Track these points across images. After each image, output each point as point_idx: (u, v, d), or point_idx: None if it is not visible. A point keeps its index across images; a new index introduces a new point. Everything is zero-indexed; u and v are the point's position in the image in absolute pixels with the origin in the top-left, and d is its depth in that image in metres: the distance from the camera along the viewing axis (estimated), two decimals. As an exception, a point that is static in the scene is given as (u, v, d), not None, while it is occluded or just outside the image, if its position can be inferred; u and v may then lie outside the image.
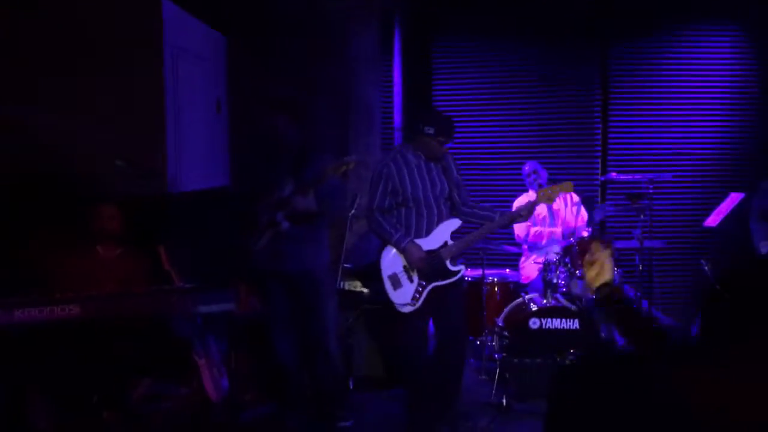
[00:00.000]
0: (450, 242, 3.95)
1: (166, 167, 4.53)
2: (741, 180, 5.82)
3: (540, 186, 5.37)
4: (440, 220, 3.99)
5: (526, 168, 5.44)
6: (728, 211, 4.88)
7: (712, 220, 4.99)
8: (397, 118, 5.98)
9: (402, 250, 3.95)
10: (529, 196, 5.48)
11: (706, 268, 5.45)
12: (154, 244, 4.12)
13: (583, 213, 5.45)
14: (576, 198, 5.51)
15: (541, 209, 5.42)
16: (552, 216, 5.39)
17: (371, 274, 5.07)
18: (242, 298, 4.30)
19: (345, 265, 5.22)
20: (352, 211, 5.23)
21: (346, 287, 5.08)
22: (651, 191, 5.08)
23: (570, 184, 4.03)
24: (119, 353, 3.62)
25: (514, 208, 5.45)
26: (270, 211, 3.92)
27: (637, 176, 5.30)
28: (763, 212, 4.99)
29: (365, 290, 5.10)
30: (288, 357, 4.11)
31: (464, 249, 4.00)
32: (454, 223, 4.00)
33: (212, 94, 5.41)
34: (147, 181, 4.25)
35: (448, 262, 3.95)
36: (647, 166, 5.77)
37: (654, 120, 6.00)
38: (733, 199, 4.94)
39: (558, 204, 5.43)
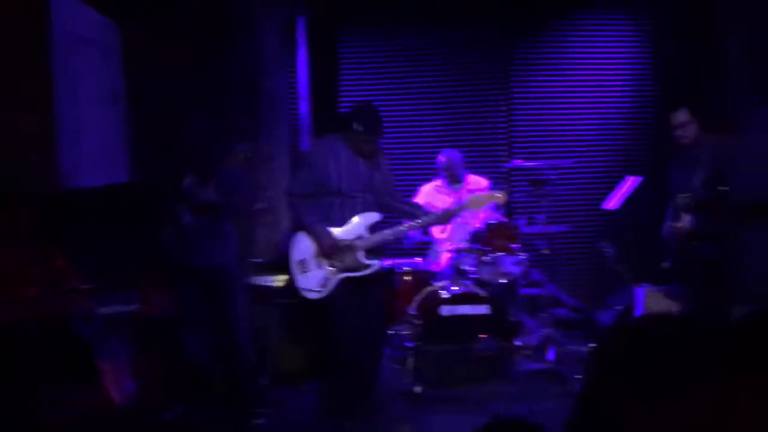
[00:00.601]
0: (366, 235, 3.95)
1: (59, 162, 4.30)
2: (637, 164, 6.08)
3: (453, 176, 5.44)
4: (362, 213, 3.98)
5: (444, 157, 5.45)
6: (626, 194, 5.09)
7: (611, 203, 5.19)
8: (304, 108, 5.89)
9: (313, 234, 3.92)
10: (436, 184, 5.54)
11: (606, 249, 5.68)
12: (50, 242, 3.91)
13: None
14: (485, 182, 5.60)
15: (447, 203, 5.49)
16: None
17: (284, 266, 5.02)
18: (148, 298, 4.17)
19: (255, 260, 5.13)
20: (261, 205, 5.14)
21: (261, 282, 4.98)
22: (553, 177, 5.24)
23: (504, 195, 4.13)
24: (17, 358, 3.43)
25: (421, 199, 5.51)
26: (172, 205, 3.81)
27: (540, 163, 5.45)
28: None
29: (282, 284, 5.02)
30: (199, 355, 4.02)
31: (380, 243, 4.00)
32: (372, 217, 4.00)
33: (108, 85, 5.16)
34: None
35: (361, 255, 3.94)
36: (550, 153, 5.93)
37: (555, 108, 6.16)
38: (631, 182, 5.15)
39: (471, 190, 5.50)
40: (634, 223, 5.57)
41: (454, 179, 5.47)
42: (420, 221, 4.05)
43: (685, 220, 4.03)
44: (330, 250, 3.91)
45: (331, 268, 3.94)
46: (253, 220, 5.35)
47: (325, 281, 3.95)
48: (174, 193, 3.83)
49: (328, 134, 4.15)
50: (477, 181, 5.57)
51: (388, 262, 5.00)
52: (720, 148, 3.93)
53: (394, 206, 4.12)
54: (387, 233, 3.98)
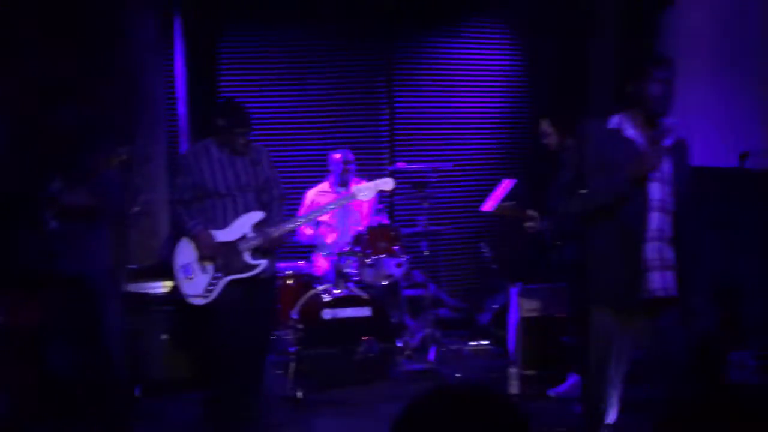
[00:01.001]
0: (250, 235, 3.87)
1: None
2: (513, 167, 6.32)
3: (343, 177, 5.43)
4: (244, 213, 3.90)
5: (339, 156, 5.43)
6: (502, 196, 5.26)
7: (488, 205, 5.35)
8: (182, 108, 5.71)
9: (193, 238, 3.82)
10: (321, 189, 5.52)
11: (484, 250, 5.87)
12: None
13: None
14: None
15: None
16: (344, 213, 5.44)
17: (164, 271, 4.84)
18: (14, 309, 3.92)
19: (130, 266, 4.92)
20: (137, 208, 4.94)
21: (138, 289, 4.78)
22: (435, 180, 5.36)
23: (392, 181, 4.14)
24: None
25: (308, 200, 5.49)
26: (36, 209, 3.60)
27: (422, 165, 5.56)
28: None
29: (162, 290, 4.84)
30: (66, 367, 3.81)
31: (266, 243, 3.92)
32: (256, 216, 3.91)
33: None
34: None
35: (247, 255, 3.86)
36: (431, 156, 6.05)
37: (436, 111, 6.29)
38: (506, 185, 5.33)
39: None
40: (510, 224, 5.78)
41: (342, 181, 5.48)
42: (302, 218, 4.03)
43: (544, 222, 4.22)
44: (211, 253, 3.81)
45: (215, 272, 3.85)
46: (129, 224, 5.13)
47: (211, 286, 3.85)
48: (38, 195, 3.61)
49: (205, 136, 4.05)
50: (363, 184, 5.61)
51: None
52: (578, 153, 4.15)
53: (269, 207, 4.03)
54: (272, 231, 3.91)
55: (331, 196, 5.46)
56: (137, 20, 5.44)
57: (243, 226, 3.88)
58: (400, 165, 5.76)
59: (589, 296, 3.12)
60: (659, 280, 2.96)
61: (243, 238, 3.86)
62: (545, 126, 4.47)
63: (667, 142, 2.95)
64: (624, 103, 3.07)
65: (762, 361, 4.36)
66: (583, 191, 2.90)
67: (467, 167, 6.34)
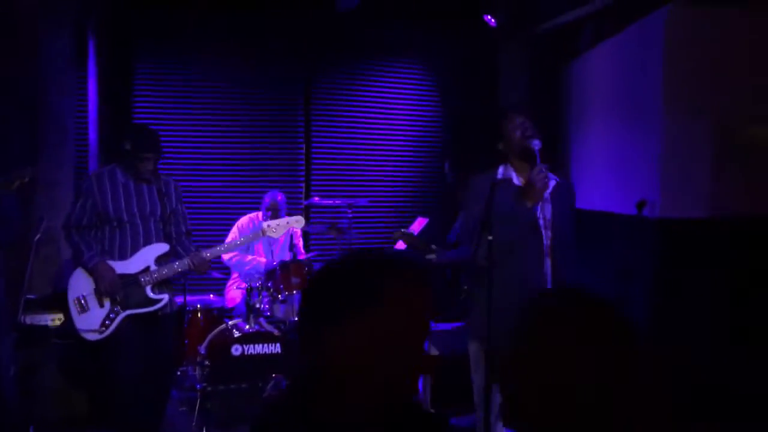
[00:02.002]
0: (153, 267, 3.75)
1: None
2: (427, 205, 6.44)
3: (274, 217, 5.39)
4: (147, 244, 3.78)
5: (277, 198, 5.33)
6: (416, 233, 5.34)
7: (401, 243, 5.42)
8: (92, 133, 5.53)
9: (90, 270, 3.67)
10: (252, 216, 5.46)
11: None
12: None
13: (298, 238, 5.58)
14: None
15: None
16: (269, 246, 5.39)
17: (61, 301, 4.63)
18: None
19: (28, 297, 4.69)
20: (38, 236, 4.73)
21: (34, 321, 4.55)
22: (350, 215, 5.39)
23: (302, 219, 4.16)
24: None
25: (236, 230, 5.41)
26: None
27: (338, 201, 5.59)
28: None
29: (59, 323, 4.62)
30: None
31: (170, 276, 3.83)
32: (160, 248, 3.79)
33: None
34: None
35: (148, 289, 3.74)
36: (346, 192, 6.09)
37: (352, 148, 6.36)
38: (419, 223, 5.43)
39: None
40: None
41: (275, 215, 5.43)
42: (216, 249, 3.94)
43: (443, 255, 4.31)
44: (109, 286, 3.67)
45: (113, 306, 3.70)
46: (27, 252, 4.89)
47: (108, 320, 3.69)
48: None
49: (112, 161, 3.93)
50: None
51: (179, 299, 4.82)
52: None
53: (176, 245, 3.91)
54: (177, 265, 3.80)
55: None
56: (47, 39, 5.26)
57: (146, 257, 3.76)
58: (316, 200, 5.77)
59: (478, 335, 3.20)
60: None
61: (146, 270, 3.74)
62: (446, 167, 4.58)
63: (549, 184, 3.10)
64: (503, 154, 3.22)
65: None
66: (480, 240, 2.97)
67: (382, 204, 6.41)
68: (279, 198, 5.33)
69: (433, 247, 4.38)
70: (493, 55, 6.35)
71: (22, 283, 4.52)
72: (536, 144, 3.07)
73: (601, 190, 5.69)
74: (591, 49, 5.88)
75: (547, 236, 3.07)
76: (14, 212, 3.86)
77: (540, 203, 3.08)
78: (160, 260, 3.78)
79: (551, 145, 6.33)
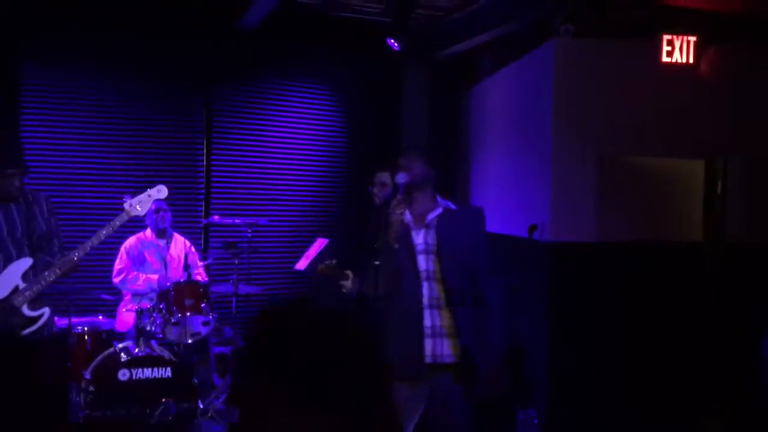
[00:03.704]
0: (22, 285, 3.55)
1: None
2: (328, 226, 6.44)
3: (161, 230, 5.24)
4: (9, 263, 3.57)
5: (153, 206, 5.15)
6: (315, 255, 5.33)
7: (301, 264, 5.40)
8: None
9: None
10: (141, 236, 5.29)
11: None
12: None
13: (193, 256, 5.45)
14: (187, 243, 5.48)
15: (150, 255, 5.28)
16: (165, 262, 5.24)
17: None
18: None
19: None
20: None
21: None
22: (250, 235, 5.31)
23: (163, 188, 3.90)
24: None
25: (124, 252, 5.22)
26: None
27: (238, 220, 5.51)
28: None
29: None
30: None
31: (43, 288, 3.62)
32: (24, 264, 3.55)
33: None
34: None
35: (24, 309, 3.55)
36: (247, 211, 6.01)
37: (254, 166, 6.29)
38: (320, 244, 5.42)
39: (174, 251, 5.33)
40: (321, 284, 5.85)
41: (159, 231, 5.29)
42: (84, 245, 3.70)
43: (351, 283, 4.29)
44: None
45: None
46: None
47: None
48: None
49: None
50: (182, 240, 5.46)
51: (64, 321, 4.61)
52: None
53: (48, 262, 3.69)
54: (47, 274, 3.60)
55: (151, 244, 5.27)
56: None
57: (12, 277, 3.55)
58: (215, 218, 5.67)
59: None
60: (430, 347, 3.15)
61: (15, 290, 3.54)
62: (385, 178, 4.43)
63: (430, 216, 3.25)
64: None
65: (546, 419, 4.71)
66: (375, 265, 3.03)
67: (283, 224, 6.36)
68: (158, 205, 5.17)
69: (348, 272, 4.34)
70: (397, 78, 6.46)
71: None
72: (400, 177, 3.22)
73: (498, 213, 5.86)
74: (489, 76, 6.08)
75: (428, 260, 3.14)
76: None
77: (421, 230, 3.16)
78: (27, 276, 3.57)
79: (452, 169, 6.51)
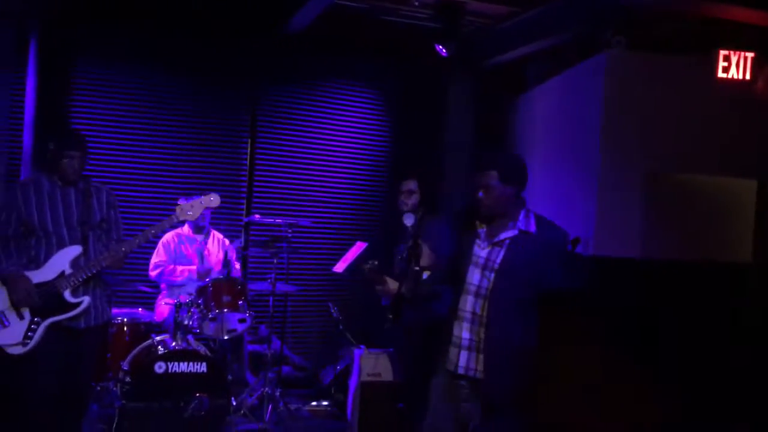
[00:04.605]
0: (68, 271, 3.63)
1: None
2: (368, 230, 6.44)
3: (198, 227, 5.31)
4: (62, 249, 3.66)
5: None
6: (353, 258, 5.32)
7: (339, 266, 5.40)
8: (27, 138, 5.36)
9: (4, 280, 3.54)
10: (179, 231, 5.36)
11: (332, 310, 5.89)
12: None
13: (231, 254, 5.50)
14: (226, 241, 5.53)
15: (186, 250, 5.34)
16: (203, 257, 5.30)
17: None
18: None
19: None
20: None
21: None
22: (289, 235, 5.33)
23: (217, 198, 3.97)
24: None
25: (161, 247, 5.30)
26: None
27: (278, 219, 5.53)
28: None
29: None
30: None
31: (87, 276, 3.69)
32: (73, 251, 3.66)
33: None
34: None
35: (67, 293, 3.62)
36: (288, 211, 6.04)
37: (297, 168, 6.32)
38: (358, 247, 5.41)
39: (211, 248, 5.40)
40: (359, 287, 5.85)
41: (197, 228, 5.37)
42: (133, 241, 3.79)
43: (389, 286, 4.26)
44: (24, 296, 3.54)
45: (33, 317, 3.57)
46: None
47: (30, 332, 3.56)
48: None
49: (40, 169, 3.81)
50: (220, 237, 5.52)
51: (109, 311, 4.67)
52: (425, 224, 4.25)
53: (97, 252, 3.75)
54: (92, 264, 3.67)
55: (188, 240, 5.34)
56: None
57: (60, 262, 3.64)
58: (256, 217, 5.71)
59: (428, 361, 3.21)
60: (463, 359, 3.05)
61: (61, 275, 3.63)
62: (411, 185, 4.45)
63: (502, 236, 3.06)
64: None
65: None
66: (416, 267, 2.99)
67: (323, 226, 6.38)
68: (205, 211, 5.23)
69: (386, 278, 4.34)
70: (442, 84, 6.43)
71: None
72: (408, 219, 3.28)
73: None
74: (536, 86, 6.01)
75: (483, 276, 3.04)
76: None
77: (489, 246, 3.06)
78: (76, 263, 3.66)
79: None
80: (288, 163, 6.28)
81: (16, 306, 3.56)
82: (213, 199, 3.94)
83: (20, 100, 5.37)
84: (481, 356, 3.00)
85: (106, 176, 5.58)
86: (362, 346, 5.00)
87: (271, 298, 5.25)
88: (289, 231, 5.33)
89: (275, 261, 5.18)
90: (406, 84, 6.55)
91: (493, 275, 3.00)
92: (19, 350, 3.56)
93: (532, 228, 3.05)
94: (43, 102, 5.39)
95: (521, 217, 3.08)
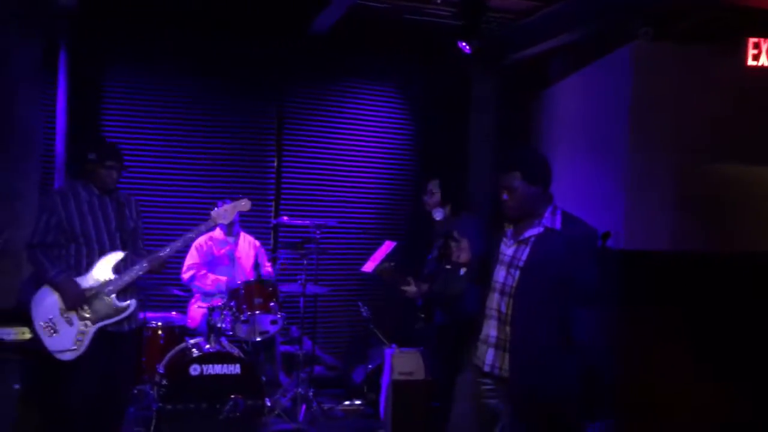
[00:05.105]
0: (113, 277, 3.72)
1: None
2: (396, 229, 6.44)
3: (229, 228, 5.38)
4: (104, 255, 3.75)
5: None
6: (382, 257, 5.33)
7: (369, 266, 5.41)
8: (60, 145, 5.46)
9: (56, 286, 3.62)
10: (212, 234, 5.42)
11: (363, 309, 5.91)
12: None
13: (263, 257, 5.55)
14: (257, 243, 5.59)
15: (218, 252, 5.40)
16: (234, 259, 5.36)
17: (21, 316, 4.54)
18: None
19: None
20: (-1, 247, 4.65)
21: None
22: (318, 236, 5.36)
23: (248, 202, 4.13)
24: None
25: (194, 251, 5.37)
26: None
27: (307, 221, 5.57)
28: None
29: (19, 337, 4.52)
30: None
31: (131, 281, 3.79)
32: (116, 256, 3.77)
33: None
34: None
35: (114, 298, 3.72)
36: (316, 212, 6.08)
37: (323, 169, 6.35)
38: (387, 246, 5.42)
39: (241, 251, 5.46)
40: (389, 287, 5.85)
41: (229, 231, 5.44)
42: (172, 245, 3.90)
43: (414, 287, 4.27)
44: (76, 302, 3.64)
45: (84, 321, 3.66)
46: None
47: (80, 336, 3.66)
48: None
49: (75, 177, 3.90)
50: (250, 239, 5.57)
51: (139, 315, 4.75)
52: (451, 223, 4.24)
53: (135, 257, 3.89)
54: (136, 269, 3.78)
55: (220, 242, 5.40)
56: (16, 49, 5.21)
57: (105, 268, 3.74)
58: (285, 219, 5.75)
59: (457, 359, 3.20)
60: (490, 356, 3.02)
61: (107, 281, 3.71)
62: (433, 186, 4.49)
63: (527, 233, 3.00)
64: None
65: None
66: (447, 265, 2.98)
67: (351, 226, 6.40)
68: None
69: (409, 279, 4.37)
70: (466, 81, 6.42)
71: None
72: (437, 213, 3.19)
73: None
74: (560, 81, 5.97)
75: (508, 274, 3.00)
76: None
77: (515, 244, 3.03)
78: (119, 268, 3.75)
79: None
80: (315, 164, 6.31)
81: (68, 312, 3.65)
82: (244, 204, 4.17)
83: (52, 110, 5.47)
84: (507, 355, 2.96)
85: (137, 182, 5.66)
86: (393, 345, 5.02)
87: (301, 299, 5.28)
88: (318, 232, 5.36)
89: (305, 262, 5.21)
90: (430, 82, 6.55)
91: (518, 273, 2.97)
92: (69, 356, 3.65)
93: (558, 225, 2.99)
94: (74, 110, 5.49)
95: (547, 214, 3.02)
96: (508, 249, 3.05)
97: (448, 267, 2.97)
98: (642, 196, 4.72)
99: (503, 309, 2.99)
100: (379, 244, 5.53)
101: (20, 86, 5.26)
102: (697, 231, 4.71)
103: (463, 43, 5.74)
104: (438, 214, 3.48)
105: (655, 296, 4.63)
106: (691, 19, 4.80)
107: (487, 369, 3.02)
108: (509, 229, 3.10)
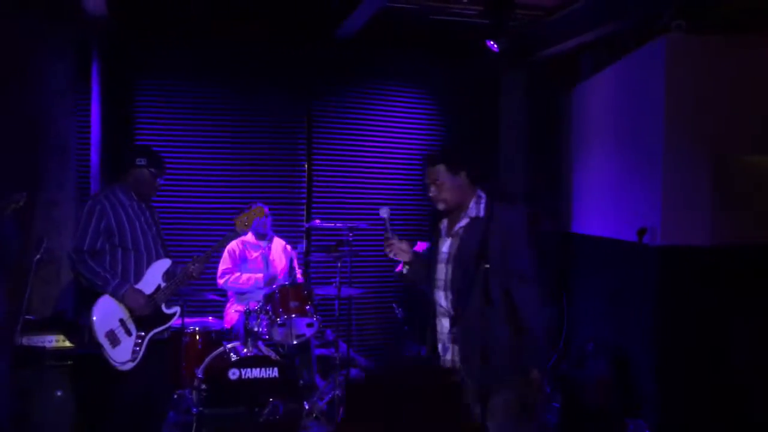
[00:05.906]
0: (163, 284, 3.77)
1: None
2: (428, 230, 6.41)
3: (261, 234, 5.42)
4: (151, 263, 3.80)
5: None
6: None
7: (401, 267, 5.39)
8: (95, 155, 5.54)
9: (122, 298, 3.65)
10: (244, 239, 5.46)
11: (397, 311, 5.90)
12: None
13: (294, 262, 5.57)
14: (289, 247, 5.61)
15: (251, 255, 5.43)
16: (267, 264, 5.40)
17: (68, 323, 4.63)
18: None
19: (27, 317, 4.67)
20: (38, 256, 4.72)
21: (32, 342, 4.51)
22: (351, 239, 5.37)
23: (261, 208, 4.14)
24: None
25: (227, 255, 5.41)
26: None
27: (339, 224, 5.57)
28: None
29: (56, 345, 4.59)
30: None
31: (179, 288, 3.86)
32: (165, 264, 3.83)
33: None
34: None
35: (162, 306, 3.78)
36: (348, 215, 6.09)
37: (354, 171, 6.36)
38: (419, 247, 5.40)
39: (275, 253, 5.49)
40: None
41: (259, 234, 5.47)
42: (210, 250, 3.93)
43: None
44: (144, 310, 3.68)
45: (140, 332, 3.70)
46: (27, 273, 4.88)
47: (136, 346, 3.70)
48: None
49: (114, 183, 3.94)
50: (282, 243, 5.60)
51: (177, 321, 4.79)
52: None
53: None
54: (180, 276, 3.82)
55: (252, 247, 5.43)
56: (49, 60, 5.31)
57: (155, 276, 3.78)
58: (317, 222, 5.77)
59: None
60: (443, 351, 3.12)
61: (158, 289, 3.76)
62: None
63: (457, 225, 3.10)
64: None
65: (656, 430, 4.52)
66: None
67: (383, 227, 6.37)
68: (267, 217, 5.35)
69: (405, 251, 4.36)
70: (495, 79, 6.38)
71: (21, 303, 4.51)
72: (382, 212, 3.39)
73: (601, 216, 5.68)
74: (591, 77, 5.91)
75: (446, 269, 3.06)
76: (10, 236, 3.87)
77: (448, 239, 3.12)
78: (167, 276, 3.80)
79: (553, 171, 6.37)
80: (345, 166, 6.33)
81: (128, 322, 3.68)
82: (257, 209, 4.15)
83: (86, 119, 5.55)
84: (456, 347, 3.05)
85: (172, 187, 5.72)
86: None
87: (336, 302, 5.29)
88: (350, 234, 5.37)
89: (339, 265, 5.21)
90: (459, 81, 6.53)
91: (451, 266, 3.05)
92: (129, 366, 3.68)
93: (482, 213, 3.07)
94: (107, 120, 5.57)
95: (472, 204, 3.11)
96: (443, 245, 3.16)
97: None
98: (679, 190, 4.65)
99: (445, 304, 3.08)
100: (412, 245, 5.52)
101: (55, 99, 5.37)
102: (735, 225, 4.63)
103: (491, 42, 5.72)
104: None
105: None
106: (722, 11, 4.72)
107: (447, 364, 3.09)
108: (443, 225, 3.21)
